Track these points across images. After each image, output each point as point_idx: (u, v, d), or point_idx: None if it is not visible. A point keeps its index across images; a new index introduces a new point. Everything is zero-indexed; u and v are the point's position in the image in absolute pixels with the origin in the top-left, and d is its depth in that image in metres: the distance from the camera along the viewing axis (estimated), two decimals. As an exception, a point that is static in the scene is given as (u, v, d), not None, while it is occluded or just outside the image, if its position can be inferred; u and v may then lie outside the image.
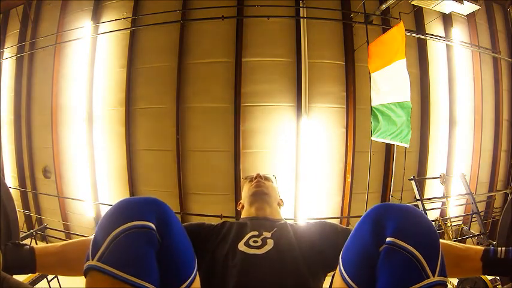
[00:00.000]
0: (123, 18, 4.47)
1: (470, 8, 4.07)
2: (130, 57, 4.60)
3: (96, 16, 4.77)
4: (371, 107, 3.99)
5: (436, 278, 0.52)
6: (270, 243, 0.83)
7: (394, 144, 4.22)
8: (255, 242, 0.84)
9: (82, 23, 4.76)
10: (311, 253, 0.83)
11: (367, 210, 0.62)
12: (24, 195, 5.33)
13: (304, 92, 4.33)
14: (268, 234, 0.86)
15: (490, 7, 5.19)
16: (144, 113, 4.62)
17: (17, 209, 0.79)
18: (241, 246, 0.83)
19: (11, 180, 5.53)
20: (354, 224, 0.79)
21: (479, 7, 4.15)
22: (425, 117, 4.74)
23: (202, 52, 4.46)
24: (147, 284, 0.49)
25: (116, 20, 4.53)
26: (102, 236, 0.52)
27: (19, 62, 5.29)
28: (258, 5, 4.22)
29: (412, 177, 3.66)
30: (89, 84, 4.76)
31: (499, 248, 0.69)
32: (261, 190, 1.09)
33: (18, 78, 5.30)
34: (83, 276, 0.55)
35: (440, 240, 0.67)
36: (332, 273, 0.76)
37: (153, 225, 0.54)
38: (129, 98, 4.58)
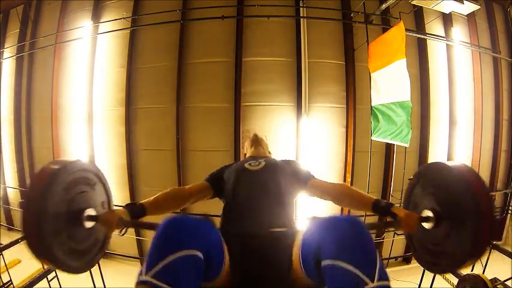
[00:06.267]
0: (123, 18, 4.48)
1: (470, 7, 4.06)
2: (130, 57, 4.60)
3: (96, 16, 4.77)
4: (371, 107, 3.99)
5: (376, 284, 0.58)
6: (262, 163, 1.32)
7: (394, 144, 4.22)
8: (253, 164, 1.32)
9: (82, 22, 4.77)
10: (287, 172, 1.30)
11: (312, 223, 0.75)
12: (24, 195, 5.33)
13: (304, 92, 4.34)
14: (262, 160, 1.37)
15: (490, 7, 5.19)
16: (144, 113, 4.62)
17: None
18: (245, 165, 1.32)
19: (11, 180, 5.53)
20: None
21: (480, 7, 4.14)
22: (425, 117, 4.75)
23: (202, 52, 4.47)
24: None
25: (115, 19, 4.53)
26: (155, 258, 0.63)
27: (19, 62, 5.29)
28: (257, 5, 4.22)
29: (412, 177, 3.65)
30: (89, 84, 4.76)
31: (383, 201, 1.07)
32: (258, 137, 1.68)
33: (18, 78, 5.30)
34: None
35: (349, 186, 1.23)
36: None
37: (199, 253, 0.66)
38: (129, 97, 4.59)
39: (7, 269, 2.73)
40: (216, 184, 1.32)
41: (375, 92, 3.92)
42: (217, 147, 4.46)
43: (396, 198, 4.46)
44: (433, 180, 1.00)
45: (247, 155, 1.62)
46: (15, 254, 3.61)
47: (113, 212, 1.00)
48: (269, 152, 1.70)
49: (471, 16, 4.78)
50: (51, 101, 4.96)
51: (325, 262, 0.64)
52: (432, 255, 0.96)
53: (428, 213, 0.95)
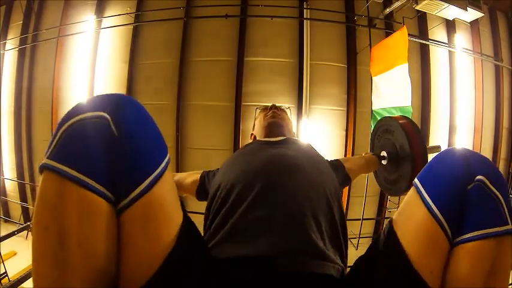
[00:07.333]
0: (127, 14, 4.47)
1: (474, 15, 4.07)
2: (133, 52, 4.60)
3: (100, 10, 4.76)
4: (371, 110, 4.00)
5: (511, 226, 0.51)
6: (288, 140, 0.93)
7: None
8: (272, 141, 0.94)
9: (85, 16, 4.76)
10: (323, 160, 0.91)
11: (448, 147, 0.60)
12: (22, 187, 5.33)
13: (305, 93, 4.34)
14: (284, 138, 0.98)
15: (493, 15, 5.20)
16: (144, 109, 4.62)
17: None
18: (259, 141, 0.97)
19: (9, 172, 5.53)
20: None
21: (483, 14, 4.15)
22: (426, 122, 4.75)
23: (205, 50, 4.47)
24: (88, 180, 0.42)
25: (119, 15, 4.53)
26: (53, 137, 0.46)
27: (21, 54, 5.28)
28: (261, 5, 4.23)
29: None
30: (90, 78, 4.75)
31: (382, 154, 1.28)
32: (277, 121, 1.03)
33: (20, 70, 5.29)
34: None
35: (348, 158, 1.21)
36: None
37: (104, 114, 0.45)
38: (130, 93, 4.58)
39: (2, 261, 2.73)
40: (207, 176, 1.01)
41: (376, 96, 3.93)
42: (216, 146, 4.46)
43: (394, 202, 4.47)
44: (385, 131, 1.30)
45: (258, 137, 1.06)
46: (11, 246, 3.61)
47: None
48: (293, 136, 1.08)
49: (474, 23, 4.78)
50: (52, 94, 4.95)
51: (472, 184, 0.51)
52: (389, 182, 1.30)
53: (383, 153, 1.28)
